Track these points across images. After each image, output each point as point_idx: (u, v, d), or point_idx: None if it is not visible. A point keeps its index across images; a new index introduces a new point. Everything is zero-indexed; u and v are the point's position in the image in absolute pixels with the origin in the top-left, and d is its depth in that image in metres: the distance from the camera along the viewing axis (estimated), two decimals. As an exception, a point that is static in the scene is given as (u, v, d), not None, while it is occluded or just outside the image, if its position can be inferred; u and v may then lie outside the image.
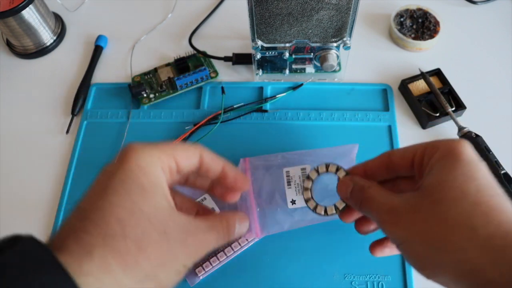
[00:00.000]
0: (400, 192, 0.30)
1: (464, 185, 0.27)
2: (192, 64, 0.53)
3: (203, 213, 0.35)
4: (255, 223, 0.40)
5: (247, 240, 0.41)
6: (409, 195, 0.30)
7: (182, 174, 0.31)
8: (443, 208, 0.27)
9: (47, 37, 0.57)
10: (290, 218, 0.41)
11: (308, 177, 0.40)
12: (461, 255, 0.25)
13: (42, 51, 0.57)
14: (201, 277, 0.40)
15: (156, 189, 0.27)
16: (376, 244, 0.36)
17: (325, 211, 0.38)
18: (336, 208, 0.38)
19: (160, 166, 0.28)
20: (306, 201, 0.39)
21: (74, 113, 0.52)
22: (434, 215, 0.27)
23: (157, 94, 0.51)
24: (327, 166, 0.39)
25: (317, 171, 0.40)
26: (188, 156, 0.30)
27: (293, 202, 0.41)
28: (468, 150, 0.29)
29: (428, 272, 0.28)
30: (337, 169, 0.39)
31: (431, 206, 0.28)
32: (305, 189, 0.40)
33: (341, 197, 0.37)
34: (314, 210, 0.39)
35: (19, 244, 0.22)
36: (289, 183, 0.42)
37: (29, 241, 0.23)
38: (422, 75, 0.50)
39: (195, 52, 0.54)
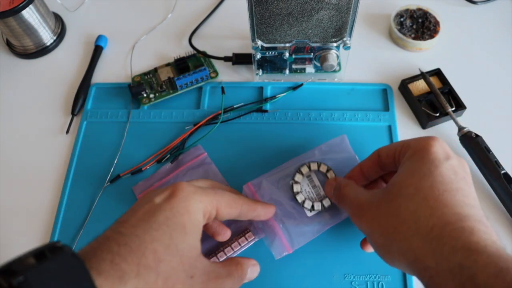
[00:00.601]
0: None
1: (419, 182, 0.30)
2: (192, 64, 0.53)
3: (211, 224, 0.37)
4: (283, 240, 0.40)
5: (246, 240, 0.41)
6: (376, 191, 0.33)
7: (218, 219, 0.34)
8: (398, 203, 0.30)
9: (47, 37, 0.57)
10: (313, 226, 0.41)
11: (299, 171, 0.42)
12: (408, 245, 0.28)
13: (42, 51, 0.57)
14: None
15: (193, 231, 0.30)
16: (366, 240, 0.39)
17: (312, 206, 0.41)
18: (322, 205, 0.41)
19: (203, 211, 0.31)
20: (295, 194, 0.41)
21: (74, 113, 0.52)
22: (390, 210, 0.30)
23: (157, 94, 0.51)
24: (318, 164, 0.42)
25: (309, 167, 0.42)
26: (230, 208, 0.33)
27: (311, 209, 0.41)
28: (435, 148, 0.31)
29: (386, 258, 0.31)
30: (328, 169, 0.42)
31: (389, 201, 0.31)
32: (295, 182, 0.42)
33: (326, 195, 0.41)
34: (302, 204, 0.41)
35: (60, 256, 0.23)
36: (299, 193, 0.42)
37: (69, 255, 0.24)
38: (422, 75, 0.50)
39: (195, 52, 0.54)
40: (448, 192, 0.29)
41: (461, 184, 0.30)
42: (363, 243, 0.39)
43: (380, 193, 0.32)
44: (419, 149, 0.31)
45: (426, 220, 0.28)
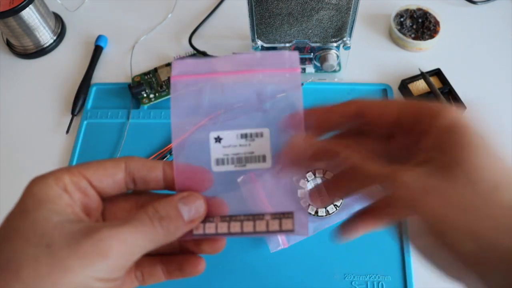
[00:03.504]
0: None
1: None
2: (192, 64, 0.53)
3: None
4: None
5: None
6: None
7: (105, 188, 0.27)
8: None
9: (47, 37, 0.57)
10: (311, 224, 0.41)
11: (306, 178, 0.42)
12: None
13: (42, 51, 0.57)
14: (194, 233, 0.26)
15: (41, 207, 0.26)
16: (355, 221, 0.26)
17: (316, 212, 0.41)
18: (326, 211, 0.42)
19: (56, 184, 0.27)
20: (299, 199, 0.41)
21: (74, 113, 0.52)
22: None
23: (157, 94, 0.51)
24: (324, 171, 0.42)
25: (314, 174, 0.43)
26: (106, 173, 0.27)
27: (314, 214, 0.41)
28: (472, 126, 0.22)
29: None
30: None
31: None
32: (300, 187, 0.42)
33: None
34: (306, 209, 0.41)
35: None
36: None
37: None
38: (422, 75, 0.50)
39: (195, 52, 0.54)
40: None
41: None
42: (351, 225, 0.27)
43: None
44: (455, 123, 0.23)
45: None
